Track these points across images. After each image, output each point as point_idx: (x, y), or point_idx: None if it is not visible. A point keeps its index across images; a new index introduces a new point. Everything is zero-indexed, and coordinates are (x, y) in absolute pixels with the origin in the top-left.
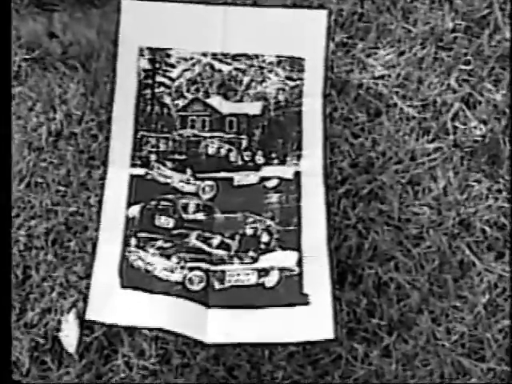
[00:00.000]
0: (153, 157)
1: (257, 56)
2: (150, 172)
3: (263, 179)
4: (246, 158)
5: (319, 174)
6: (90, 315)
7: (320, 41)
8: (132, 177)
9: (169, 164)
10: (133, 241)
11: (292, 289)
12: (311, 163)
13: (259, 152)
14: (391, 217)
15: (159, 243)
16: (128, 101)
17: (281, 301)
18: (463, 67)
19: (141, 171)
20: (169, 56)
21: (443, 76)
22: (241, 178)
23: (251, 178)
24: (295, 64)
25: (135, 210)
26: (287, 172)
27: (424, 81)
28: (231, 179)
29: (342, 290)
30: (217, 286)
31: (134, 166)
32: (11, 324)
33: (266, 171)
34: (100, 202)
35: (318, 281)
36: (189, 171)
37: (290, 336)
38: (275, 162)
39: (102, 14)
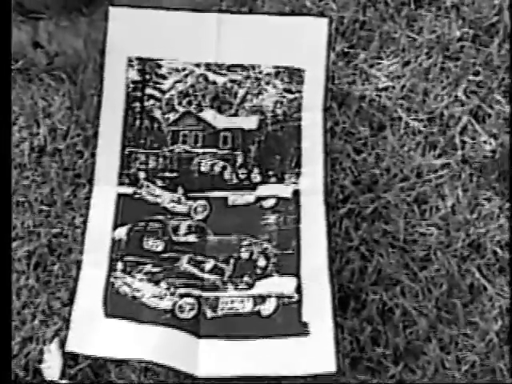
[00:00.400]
0: (142, 174)
1: (253, 67)
2: (139, 191)
3: (260, 199)
4: (242, 176)
5: (319, 192)
6: (70, 346)
7: (320, 50)
8: (119, 196)
9: (159, 182)
10: (119, 265)
11: (290, 317)
12: (311, 181)
13: (255, 169)
14: (396, 238)
15: (147, 268)
16: (116, 114)
17: (278, 331)
18: (471, 78)
19: (129, 190)
20: (159, 67)
21: (450, 87)
22: (236, 198)
23: (247, 197)
24: (294, 75)
25: (122, 232)
26: (285, 191)
27: (430, 92)
28: (225, 199)
29: (344, 317)
30: (209, 314)
31: (121, 184)
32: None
33: (263, 190)
34: (85, 223)
35: (319, 309)
36: (180, 190)
37: (289, 369)
38: (272, 180)
39: (89, 23)
